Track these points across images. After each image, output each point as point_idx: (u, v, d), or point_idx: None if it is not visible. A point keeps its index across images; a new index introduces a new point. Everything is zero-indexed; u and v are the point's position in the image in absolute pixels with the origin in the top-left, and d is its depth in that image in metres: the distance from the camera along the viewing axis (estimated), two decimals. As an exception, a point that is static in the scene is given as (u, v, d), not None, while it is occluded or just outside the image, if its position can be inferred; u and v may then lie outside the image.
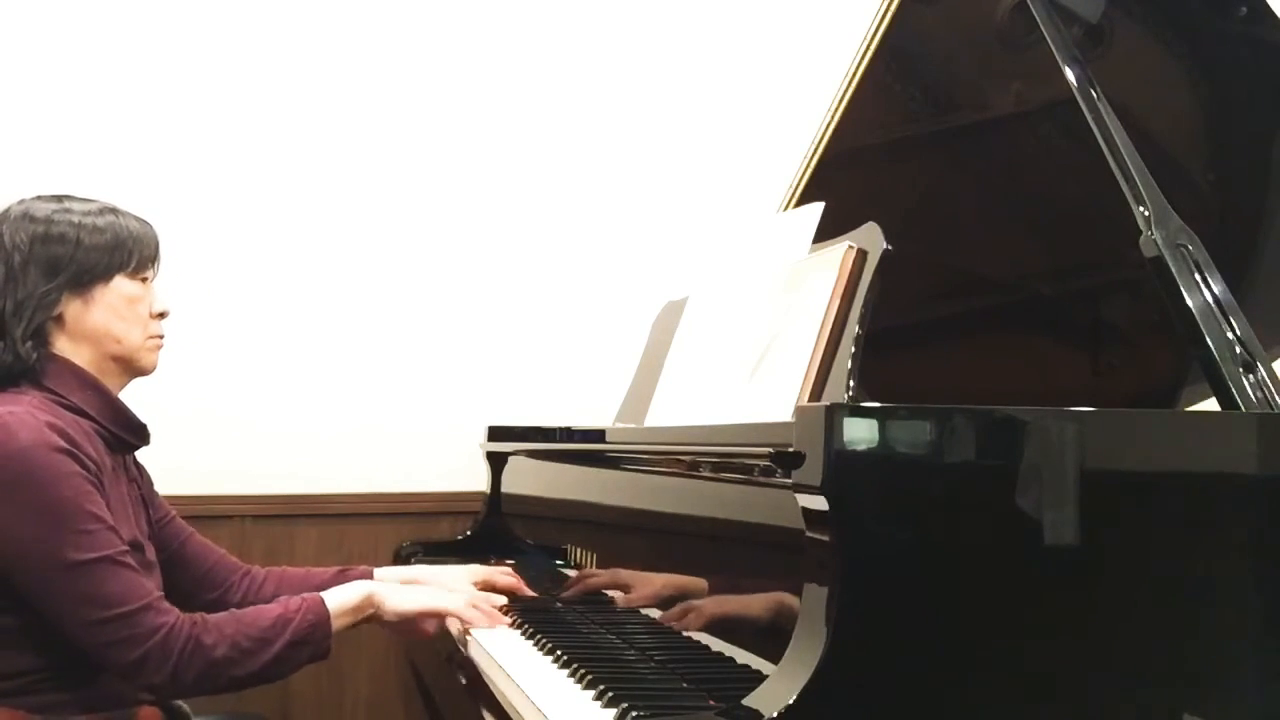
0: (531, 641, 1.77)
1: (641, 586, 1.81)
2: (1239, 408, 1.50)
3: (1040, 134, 2.07)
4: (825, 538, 1.22)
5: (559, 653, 1.65)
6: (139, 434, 1.78)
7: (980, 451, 1.26)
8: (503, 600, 1.95)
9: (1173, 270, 1.59)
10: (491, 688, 1.63)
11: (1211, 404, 1.58)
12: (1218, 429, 1.40)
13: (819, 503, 1.22)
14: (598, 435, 2.10)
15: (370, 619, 1.78)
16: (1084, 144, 1.73)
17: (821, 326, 1.65)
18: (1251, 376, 1.53)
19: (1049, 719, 1.25)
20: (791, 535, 1.27)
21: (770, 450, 1.36)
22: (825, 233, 1.81)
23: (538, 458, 2.47)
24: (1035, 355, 2.28)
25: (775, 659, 1.25)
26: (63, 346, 1.70)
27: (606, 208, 3.04)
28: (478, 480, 2.73)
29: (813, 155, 2.28)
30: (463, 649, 1.84)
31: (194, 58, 2.80)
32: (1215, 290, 1.59)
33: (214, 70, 2.81)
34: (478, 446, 2.70)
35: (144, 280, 1.75)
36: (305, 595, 1.71)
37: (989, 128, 2.19)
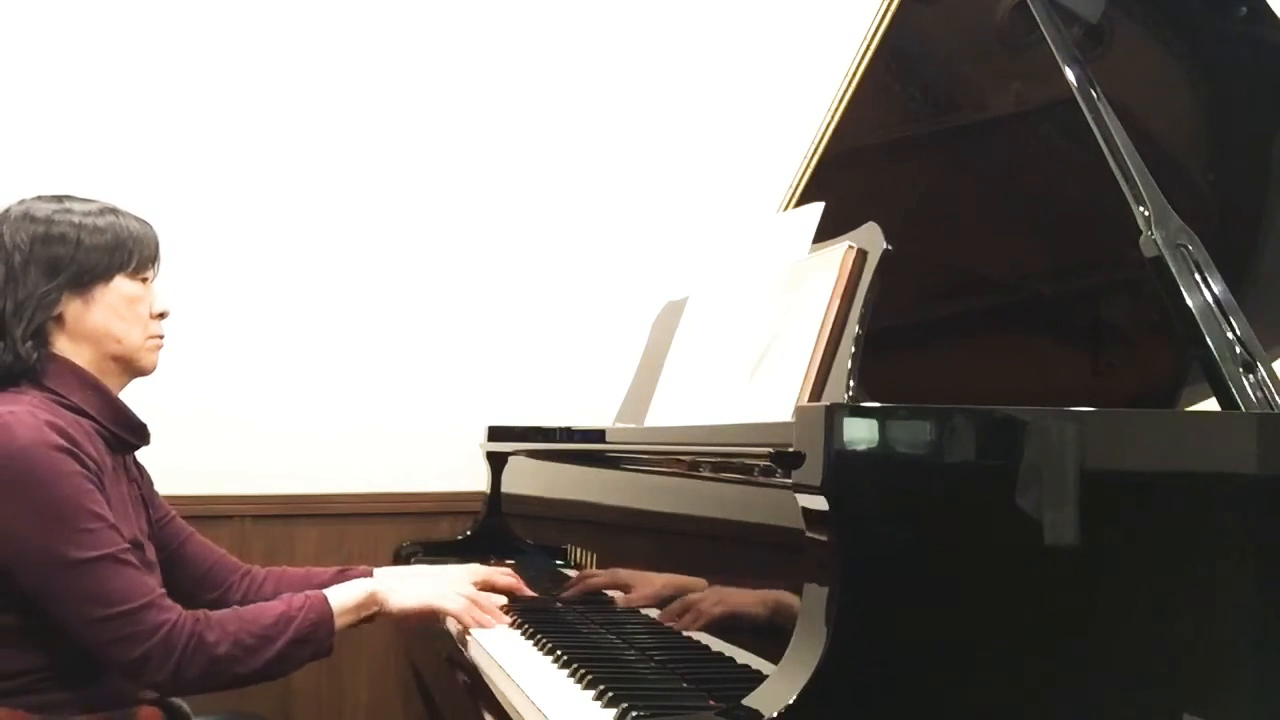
0: (531, 641, 1.77)
1: (641, 586, 1.81)
2: (1239, 408, 1.50)
3: (1040, 134, 2.07)
4: (825, 538, 1.22)
5: (559, 653, 1.65)
6: (139, 434, 1.78)
7: (980, 451, 1.26)
8: (503, 600, 1.95)
9: (1173, 270, 1.59)
10: (491, 688, 1.63)
11: (1211, 404, 1.58)
12: (1218, 429, 1.40)
13: (819, 503, 1.22)
14: (598, 435, 2.10)
15: (373, 617, 1.78)
16: (1084, 144, 1.73)
17: (821, 326, 1.65)
18: (1251, 376, 1.53)
19: (1049, 719, 1.25)
20: (791, 535, 1.27)
21: (770, 450, 1.36)
22: (825, 233, 1.81)
23: (538, 458, 2.47)
24: (1035, 355, 2.28)
25: (775, 659, 1.25)
26: (63, 346, 1.70)
27: (606, 208, 3.04)
28: (478, 480, 2.73)
29: (813, 155, 2.28)
30: (463, 649, 1.84)
31: (194, 58, 2.80)
32: (1215, 290, 1.59)
33: (214, 71, 2.81)
34: (478, 446, 2.70)
35: (144, 280, 1.75)
36: (308, 593, 1.72)
37: (989, 128, 2.19)
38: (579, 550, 2.13)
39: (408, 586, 1.82)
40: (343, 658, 1.72)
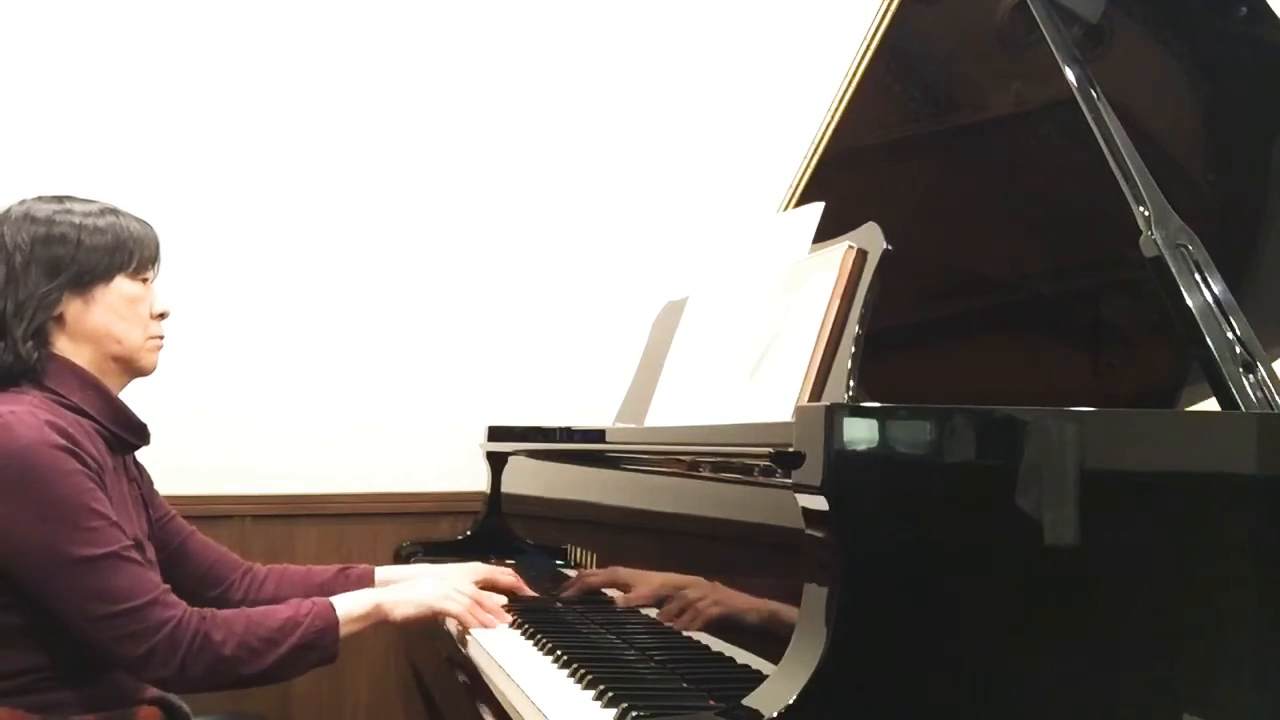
0: (531, 641, 1.77)
1: (641, 586, 1.81)
2: (1239, 408, 1.50)
3: (1040, 134, 2.07)
4: (825, 538, 1.22)
5: (559, 653, 1.65)
6: (139, 434, 1.79)
7: (980, 451, 1.26)
8: (504, 600, 1.95)
9: (1173, 270, 1.59)
10: (491, 688, 1.63)
11: (1211, 404, 1.58)
12: (1218, 429, 1.40)
13: (819, 503, 1.22)
14: (598, 435, 2.10)
15: (377, 625, 1.79)
16: (1084, 144, 1.73)
17: (821, 326, 1.65)
18: (1251, 376, 1.53)
19: (1049, 719, 1.25)
20: (791, 535, 1.27)
21: (770, 450, 1.36)
22: (825, 233, 1.81)
23: (538, 458, 2.47)
24: (1035, 355, 2.28)
25: (775, 659, 1.25)
26: (63, 346, 1.70)
27: (606, 208, 3.04)
28: (478, 480, 2.73)
29: (813, 155, 2.28)
30: (463, 649, 1.84)
31: (194, 59, 2.80)
32: (1215, 290, 1.59)
33: (214, 72, 2.81)
34: (478, 446, 2.70)
35: (144, 281, 1.75)
36: (315, 600, 1.72)
37: (989, 128, 2.19)
38: (579, 550, 2.13)
39: (410, 593, 1.82)
40: (343, 658, 1.72)
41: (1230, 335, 1.55)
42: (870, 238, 1.68)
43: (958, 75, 2.21)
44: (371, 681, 2.83)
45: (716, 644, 1.54)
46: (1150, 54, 2.03)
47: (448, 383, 2.94)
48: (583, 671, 1.53)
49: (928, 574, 1.23)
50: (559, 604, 2.04)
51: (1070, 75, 1.76)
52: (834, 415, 1.21)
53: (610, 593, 1.92)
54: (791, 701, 1.15)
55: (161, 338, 1.79)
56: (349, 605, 1.74)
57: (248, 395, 2.82)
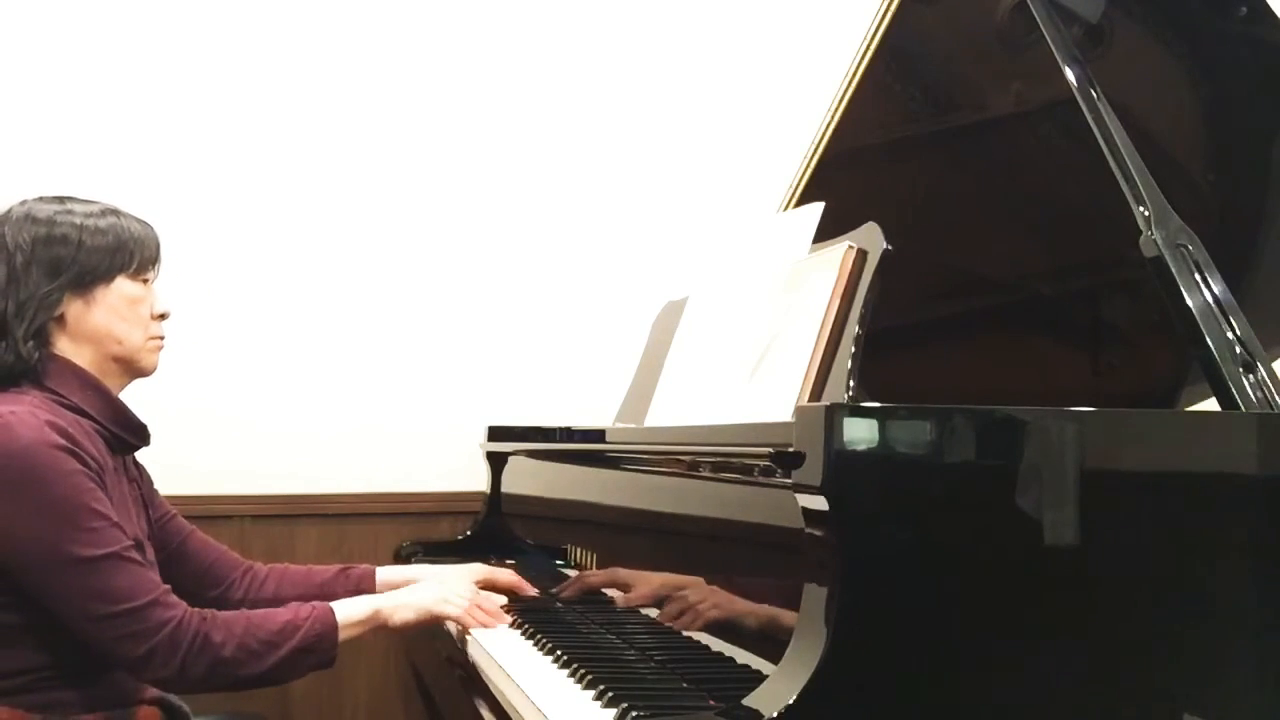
0: (531, 641, 1.77)
1: (641, 586, 1.81)
2: (1239, 408, 1.50)
3: (1040, 134, 2.07)
4: (825, 537, 1.22)
5: (559, 653, 1.65)
6: (139, 434, 1.79)
7: (980, 451, 1.26)
8: (504, 599, 1.95)
9: (1173, 270, 1.59)
10: (491, 688, 1.63)
11: (1211, 404, 1.58)
12: (1218, 429, 1.40)
13: (819, 503, 1.22)
14: (598, 435, 2.10)
15: (375, 630, 1.79)
16: (1084, 144, 1.73)
17: (821, 326, 1.65)
18: (1251, 376, 1.53)
19: (1049, 718, 1.25)
20: (791, 535, 1.27)
21: (770, 450, 1.36)
22: (825, 233, 1.81)
23: (538, 458, 2.47)
24: (1035, 355, 2.28)
25: (775, 659, 1.25)
26: (64, 347, 1.70)
27: (606, 208, 3.04)
28: (478, 480, 2.73)
29: (813, 155, 2.28)
30: (463, 649, 1.84)
31: (195, 60, 2.80)
32: (1215, 290, 1.59)
33: (214, 72, 2.81)
34: (478, 446, 2.70)
35: (145, 281, 1.75)
36: (315, 604, 1.72)
37: (989, 128, 2.19)
38: (579, 550, 2.13)
39: (409, 598, 1.82)
40: (343, 658, 1.72)
41: (1230, 335, 1.55)
42: (870, 238, 1.68)
43: (958, 75, 2.21)
44: (371, 682, 2.83)
45: (716, 644, 1.54)
46: (1150, 54, 2.03)
47: (448, 383, 2.94)
48: (583, 671, 1.53)
49: (928, 574, 1.23)
50: (559, 604, 2.04)
51: (1070, 75, 1.76)
52: (834, 415, 1.21)
53: (610, 593, 1.92)
54: (791, 701, 1.15)
55: (162, 338, 1.79)
56: (348, 610, 1.74)
57: (248, 395, 2.82)
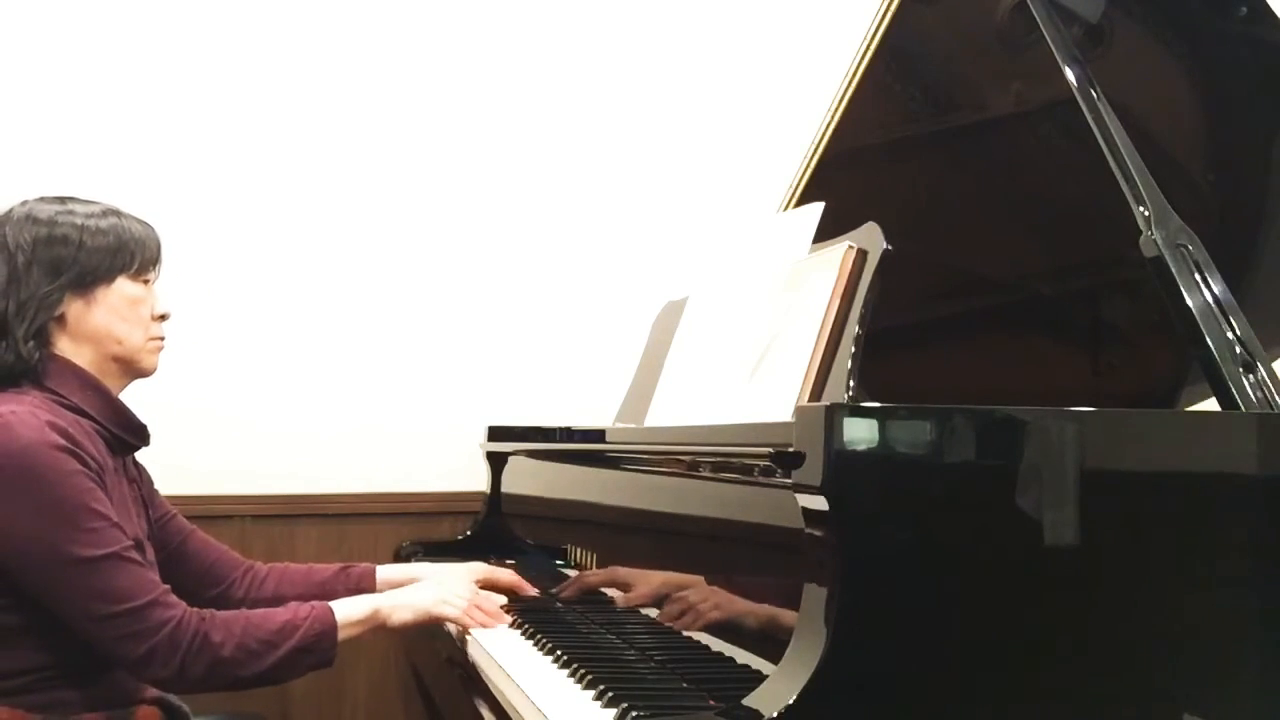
0: (531, 641, 1.77)
1: (641, 586, 1.81)
2: (1239, 408, 1.50)
3: (1040, 134, 2.07)
4: (825, 537, 1.22)
5: (559, 653, 1.65)
6: (139, 434, 1.79)
7: (980, 451, 1.26)
8: (504, 599, 1.95)
9: (1173, 270, 1.59)
10: (491, 688, 1.63)
11: (1211, 404, 1.58)
12: (1218, 429, 1.40)
13: (819, 503, 1.22)
14: (598, 435, 2.10)
15: (374, 630, 1.79)
16: (1084, 144, 1.73)
17: (821, 326, 1.65)
18: (1251, 376, 1.53)
19: (1049, 718, 1.25)
20: (791, 535, 1.27)
21: (770, 450, 1.36)
22: (825, 233, 1.81)
23: (538, 458, 2.47)
24: (1035, 355, 2.28)
25: (775, 659, 1.25)
26: (64, 347, 1.70)
27: (606, 208, 3.04)
28: (478, 480, 2.73)
29: (813, 155, 2.28)
30: (462, 649, 1.84)
31: (195, 60, 2.80)
32: (1215, 290, 1.59)
33: (215, 73, 2.81)
34: (478, 446, 2.70)
35: (146, 282, 1.75)
36: (315, 603, 1.72)
37: (989, 128, 2.19)
38: (579, 550, 2.13)
39: (408, 598, 1.82)
40: (343, 658, 1.72)
41: (1230, 335, 1.55)
42: (870, 238, 1.68)
43: (958, 75, 2.21)
44: (371, 682, 2.83)
45: (716, 644, 1.54)
46: (1150, 54, 2.03)
47: (448, 383, 2.94)
48: (583, 671, 1.53)
49: (927, 574, 1.23)
50: (559, 604, 2.04)
51: (1070, 75, 1.76)
52: (834, 415, 1.21)
53: (610, 593, 1.92)
54: (791, 701, 1.15)
55: (162, 339, 1.79)
56: (347, 610, 1.74)
57: (248, 395, 2.82)
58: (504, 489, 2.63)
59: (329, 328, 2.88)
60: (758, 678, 1.29)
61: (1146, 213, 1.63)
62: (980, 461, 1.26)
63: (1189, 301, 1.57)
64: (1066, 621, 1.26)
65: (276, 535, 2.79)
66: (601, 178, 3.04)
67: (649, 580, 1.79)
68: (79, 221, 1.70)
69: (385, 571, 2.03)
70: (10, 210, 1.71)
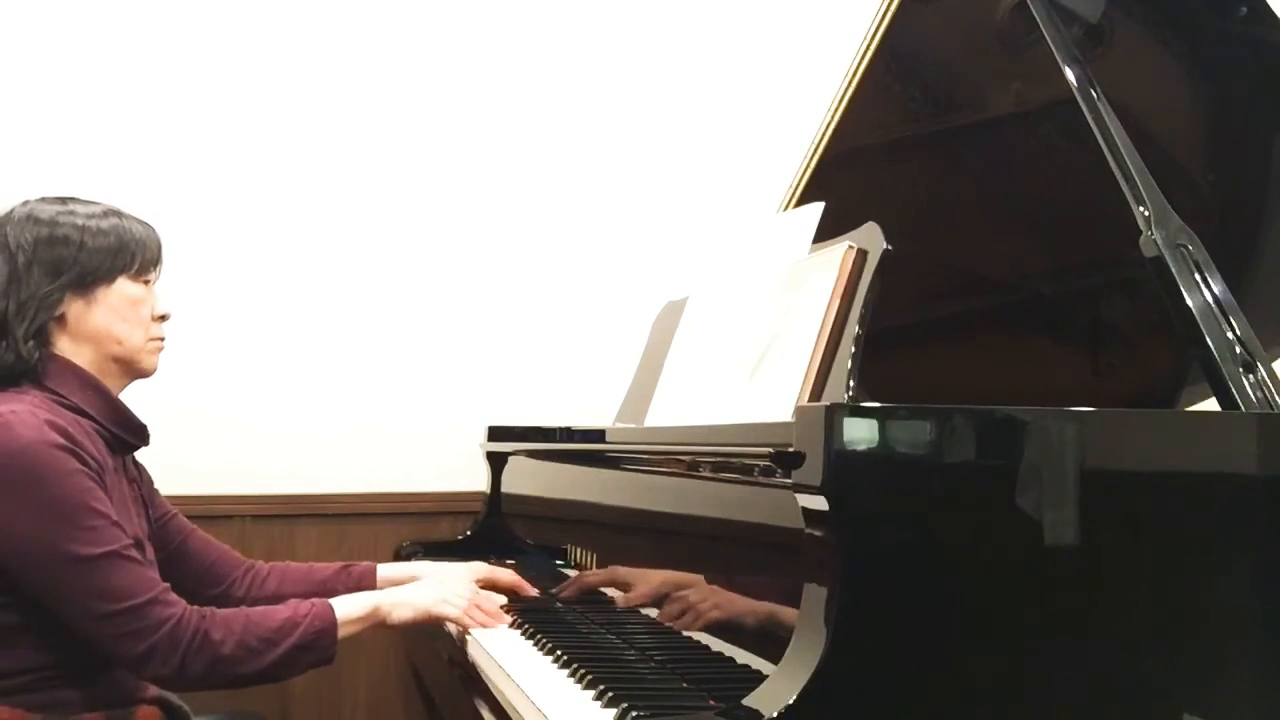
0: (531, 641, 1.77)
1: (641, 586, 1.81)
2: (1239, 408, 1.50)
3: (1040, 134, 2.07)
4: (825, 537, 1.22)
5: (559, 653, 1.65)
6: (139, 434, 1.79)
7: (980, 451, 1.26)
8: (504, 599, 1.95)
9: (1173, 270, 1.59)
10: (491, 688, 1.63)
11: (1211, 404, 1.58)
12: (1218, 429, 1.40)
13: (819, 503, 1.22)
14: (598, 435, 2.10)
15: (374, 627, 1.79)
16: (1084, 144, 1.73)
17: (821, 326, 1.65)
18: (1251, 376, 1.53)
19: (1049, 718, 1.25)
20: (791, 535, 1.27)
21: (770, 450, 1.36)
22: (825, 233, 1.81)
23: (538, 458, 2.47)
24: (1035, 355, 2.28)
25: (775, 659, 1.25)
26: (64, 347, 1.70)
27: (606, 208, 3.04)
28: (478, 480, 2.73)
29: (813, 155, 2.28)
30: (463, 649, 1.84)
31: (196, 61, 2.80)
32: (1215, 290, 1.59)
33: (216, 74, 2.81)
34: (478, 446, 2.70)
35: (146, 283, 1.76)
36: (315, 600, 1.73)
37: (989, 128, 2.19)
38: (579, 550, 2.13)
39: (409, 596, 1.82)
40: (343, 657, 1.72)
41: (1230, 335, 1.55)
42: (870, 238, 1.68)
43: (958, 75, 2.21)
44: (371, 681, 2.83)
45: (716, 644, 1.54)
46: (1150, 54, 2.03)
47: (448, 383, 2.94)
48: (583, 671, 1.53)
49: (928, 574, 1.23)
50: (559, 604, 2.04)
51: (1070, 75, 1.76)
52: (834, 415, 1.21)
53: (610, 593, 1.92)
54: (791, 701, 1.15)
55: (162, 339, 1.79)
56: (347, 607, 1.74)
57: (248, 395, 2.82)
58: (504, 489, 2.63)
59: (329, 328, 2.88)
60: (758, 678, 1.29)
61: (1146, 213, 1.63)
62: (980, 461, 1.26)
63: (1189, 301, 1.57)
64: (1066, 621, 1.26)
65: (276, 535, 2.79)
66: (601, 178, 3.04)
67: (649, 580, 1.79)
68: (80, 222, 1.70)
69: (386, 570, 2.03)
70: (11, 210, 1.71)
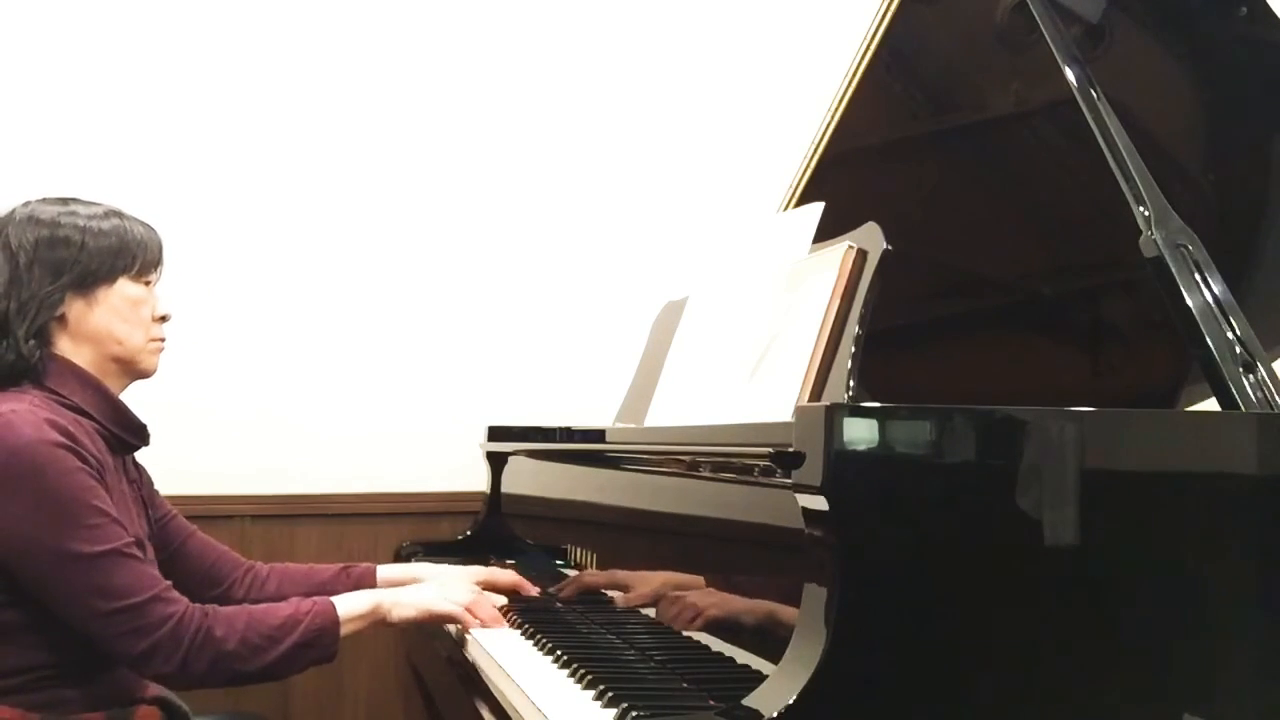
0: (531, 641, 1.77)
1: (641, 586, 1.81)
2: (1239, 408, 1.50)
3: (1040, 134, 2.07)
4: (825, 537, 1.22)
5: (559, 653, 1.65)
6: (139, 434, 1.79)
7: (980, 451, 1.26)
8: (504, 600, 1.95)
9: (1173, 270, 1.59)
10: (491, 688, 1.63)
11: (1211, 404, 1.58)
12: (1218, 429, 1.40)
13: (819, 503, 1.22)
14: (598, 435, 2.11)
15: (375, 625, 1.79)
16: (1084, 144, 1.73)
17: (821, 326, 1.65)
18: (1251, 376, 1.53)
19: (1049, 718, 1.25)
20: (791, 535, 1.27)
21: (770, 450, 1.36)
22: (825, 233, 1.81)
23: (538, 458, 2.47)
24: (1035, 355, 2.28)
25: (775, 659, 1.25)
26: (65, 347, 1.70)
27: (606, 208, 3.04)
28: (478, 480, 2.73)
29: (813, 155, 2.28)
30: (463, 649, 1.84)
31: (197, 61, 2.80)
32: (1215, 290, 1.59)
33: (217, 74, 2.81)
34: (478, 446, 2.70)
35: (147, 283, 1.76)
36: (316, 599, 1.73)
37: (989, 128, 2.19)
38: (579, 550, 2.13)
39: (410, 595, 1.83)
40: (343, 657, 1.72)
41: (1230, 335, 1.55)
42: (870, 238, 1.68)
43: (958, 75, 2.21)
44: (371, 681, 2.83)
45: (716, 644, 1.54)
46: (1150, 54, 2.03)
47: (448, 383, 2.94)
48: (583, 671, 1.53)
49: (927, 574, 1.23)
50: (559, 604, 2.04)
51: (1070, 75, 1.76)
52: (834, 415, 1.21)
53: (610, 593, 1.92)
54: (791, 701, 1.15)
55: (162, 340, 1.80)
56: (349, 605, 1.74)
57: (247, 395, 2.82)
58: (504, 489, 2.63)
59: (329, 328, 2.88)
60: (758, 678, 1.29)
61: (1146, 213, 1.63)
62: (980, 461, 1.26)
63: (1189, 301, 1.57)
64: (1066, 621, 1.26)
65: (276, 535, 2.79)
66: (601, 178, 3.04)
67: (649, 580, 1.79)
68: (81, 223, 1.70)
69: (386, 571, 2.04)
70: (13, 211, 1.72)
